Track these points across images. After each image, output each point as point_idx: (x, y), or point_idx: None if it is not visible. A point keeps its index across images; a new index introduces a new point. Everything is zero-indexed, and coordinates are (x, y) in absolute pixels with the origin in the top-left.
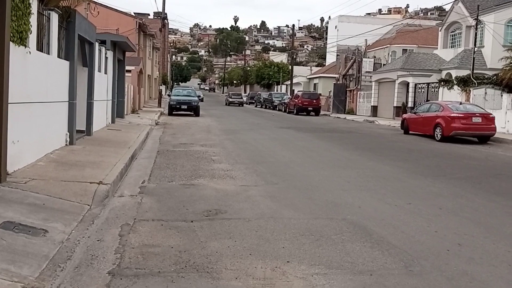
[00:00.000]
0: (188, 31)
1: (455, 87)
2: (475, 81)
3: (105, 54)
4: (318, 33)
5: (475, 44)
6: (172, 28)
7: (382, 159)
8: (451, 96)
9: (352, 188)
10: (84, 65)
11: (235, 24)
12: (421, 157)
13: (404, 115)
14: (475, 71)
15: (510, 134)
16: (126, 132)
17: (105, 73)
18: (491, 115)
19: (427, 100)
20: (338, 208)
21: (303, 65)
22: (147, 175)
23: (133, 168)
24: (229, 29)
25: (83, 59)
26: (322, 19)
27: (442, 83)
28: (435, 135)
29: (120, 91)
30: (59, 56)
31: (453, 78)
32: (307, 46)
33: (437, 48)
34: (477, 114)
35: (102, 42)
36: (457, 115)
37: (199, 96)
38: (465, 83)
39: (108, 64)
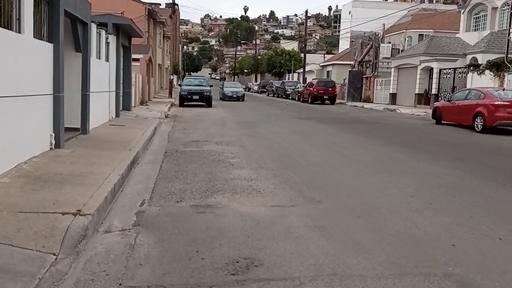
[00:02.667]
0: (199, 21)
1: (487, 72)
2: (509, 65)
3: (106, 38)
4: (326, 21)
5: (510, 25)
6: (183, 19)
7: (432, 158)
8: (481, 82)
9: (421, 206)
10: (78, 50)
11: (245, 14)
12: (476, 154)
13: (436, 103)
14: (501, 55)
15: None
16: (130, 128)
17: (107, 60)
18: None
19: (454, 87)
20: (424, 249)
21: (312, 53)
22: (149, 190)
23: (132, 179)
24: (239, 19)
25: (76, 42)
26: (330, 8)
27: (471, 68)
28: (475, 126)
29: (126, 81)
30: (36, 36)
31: (481, 62)
32: (315, 35)
33: (454, 32)
34: None
35: (103, 25)
36: (502, 103)
37: (211, 85)
38: (498, 67)
39: (110, 50)
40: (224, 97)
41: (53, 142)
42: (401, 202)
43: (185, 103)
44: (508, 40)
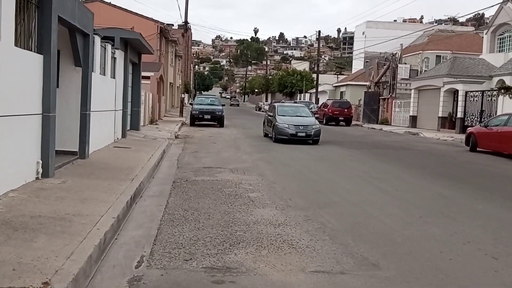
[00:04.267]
0: (210, 42)
1: None
2: None
3: (113, 53)
4: (335, 43)
5: None
6: (195, 40)
7: (488, 197)
8: None
9: None
10: (77, 65)
11: (255, 35)
12: None
13: (471, 129)
14: None
15: None
16: (136, 150)
17: (113, 77)
18: None
19: (482, 111)
20: None
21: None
22: (150, 239)
23: (131, 220)
24: (250, 40)
25: (75, 56)
26: (339, 30)
27: (502, 90)
28: None
29: (134, 99)
30: (22, 46)
31: (509, 84)
32: (324, 56)
33: (473, 54)
34: None
35: (109, 39)
36: None
37: (223, 104)
38: None
39: (117, 66)
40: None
41: (40, 170)
42: (483, 268)
43: (196, 123)
44: None
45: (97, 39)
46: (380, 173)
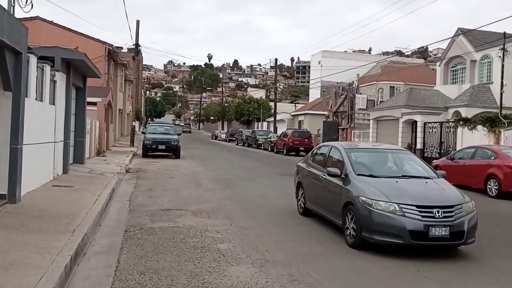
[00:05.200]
0: (162, 67)
1: (479, 127)
2: (504, 121)
3: (52, 76)
4: (289, 72)
5: (502, 78)
6: (146, 64)
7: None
8: (473, 138)
9: None
10: (6, 88)
11: (209, 61)
12: None
13: (436, 162)
14: (485, 110)
15: None
16: (80, 190)
17: (52, 103)
18: None
19: (441, 142)
20: None
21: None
22: None
23: None
24: (203, 66)
25: (3, 78)
26: (292, 59)
27: (460, 122)
28: (488, 190)
29: (78, 128)
30: None
31: (464, 116)
32: (279, 84)
33: (424, 85)
34: None
35: (48, 59)
36: None
37: (180, 133)
38: (492, 122)
39: (58, 90)
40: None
41: None
42: None
43: (149, 154)
44: (501, 94)
45: (33, 59)
46: None
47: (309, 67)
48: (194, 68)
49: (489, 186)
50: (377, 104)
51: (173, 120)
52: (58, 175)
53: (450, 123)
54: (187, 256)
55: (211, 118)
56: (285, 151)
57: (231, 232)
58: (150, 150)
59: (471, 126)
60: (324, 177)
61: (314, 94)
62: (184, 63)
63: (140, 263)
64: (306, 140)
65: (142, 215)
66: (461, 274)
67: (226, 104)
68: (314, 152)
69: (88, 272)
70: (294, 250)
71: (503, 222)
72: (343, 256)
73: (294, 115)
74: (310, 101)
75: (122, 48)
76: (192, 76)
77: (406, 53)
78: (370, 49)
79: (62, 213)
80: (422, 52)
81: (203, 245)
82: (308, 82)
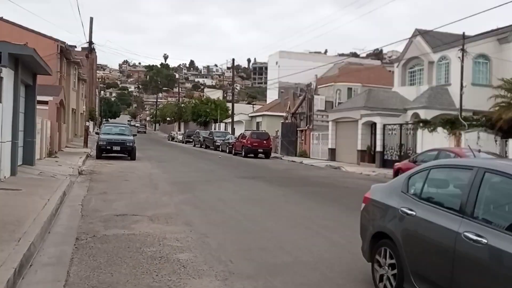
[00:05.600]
0: (117, 67)
1: (439, 129)
2: (465, 123)
3: None
4: (246, 73)
5: (462, 81)
6: (100, 64)
7: None
8: (434, 140)
9: None
10: None
11: (165, 61)
12: None
13: (398, 164)
14: (443, 112)
15: None
16: (28, 194)
17: None
18: None
19: (401, 144)
20: None
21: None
22: None
23: None
24: (159, 66)
25: None
26: (249, 60)
27: (420, 124)
28: None
29: (28, 128)
30: None
31: (423, 118)
32: (236, 85)
33: (381, 87)
34: None
35: None
36: None
37: (135, 134)
38: (452, 124)
39: (5, 88)
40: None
41: None
42: None
43: (103, 155)
44: (461, 95)
45: None
46: (323, 219)
47: (266, 68)
48: (149, 68)
49: None
50: (335, 106)
51: (128, 120)
52: (5, 177)
53: (410, 125)
54: (144, 267)
55: (168, 119)
56: (243, 153)
57: (191, 240)
58: (104, 151)
59: (431, 128)
60: (470, 238)
61: (272, 95)
62: (139, 63)
63: (92, 276)
64: (264, 141)
65: (95, 221)
66: None
67: (182, 105)
68: (421, 174)
69: (34, 287)
70: (259, 260)
71: None
72: (312, 266)
73: (252, 116)
74: (267, 102)
75: (76, 46)
76: (148, 76)
77: (361, 55)
78: (326, 51)
79: (7, 219)
80: (377, 54)
81: (161, 255)
82: (265, 83)
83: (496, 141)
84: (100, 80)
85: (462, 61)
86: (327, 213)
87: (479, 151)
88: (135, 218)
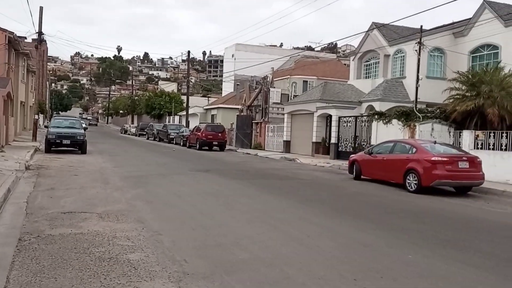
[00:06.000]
0: (69, 59)
1: (394, 121)
2: (419, 115)
3: None
4: (201, 66)
5: (418, 73)
6: (51, 56)
7: (410, 240)
8: (388, 132)
9: None
10: None
11: (118, 53)
12: (455, 232)
13: (354, 156)
14: (398, 104)
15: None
16: None
17: None
18: (478, 159)
19: (355, 136)
20: None
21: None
22: None
23: None
24: (112, 58)
25: None
26: (204, 53)
27: (375, 116)
28: (407, 185)
29: None
30: None
31: (378, 110)
32: (191, 78)
33: (337, 80)
34: (463, 158)
35: None
36: (439, 159)
37: (86, 128)
38: (407, 117)
39: None
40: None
41: None
42: None
43: (53, 149)
44: (417, 88)
45: None
46: (279, 212)
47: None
48: (102, 60)
49: (408, 181)
50: (291, 98)
51: (80, 113)
52: None
53: (365, 117)
54: (92, 270)
55: (121, 111)
56: (198, 146)
57: (143, 239)
58: (53, 145)
59: (386, 120)
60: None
61: (227, 87)
62: (92, 55)
63: (35, 282)
64: (219, 134)
65: (40, 220)
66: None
67: (136, 98)
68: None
69: None
70: (215, 258)
71: (429, 219)
72: (270, 263)
73: (207, 109)
74: (223, 95)
75: (25, 38)
76: (101, 69)
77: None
78: (281, 44)
79: None
80: (332, 48)
81: (110, 255)
82: (221, 76)
83: (449, 132)
84: (51, 72)
85: (419, 54)
86: (283, 206)
87: (435, 142)
88: (83, 215)
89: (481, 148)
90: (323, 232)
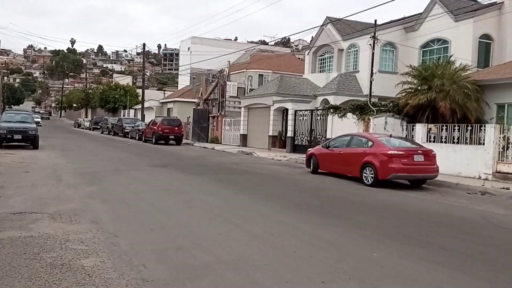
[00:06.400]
0: (22, 52)
1: (349, 115)
2: (373, 109)
3: None
4: (156, 59)
5: (372, 67)
6: (3, 49)
7: (372, 237)
8: (343, 126)
9: None
10: None
11: (72, 46)
12: (417, 227)
13: (311, 150)
14: (352, 98)
15: None
16: None
17: None
18: (432, 152)
19: (311, 130)
20: None
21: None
22: None
23: None
24: (66, 51)
25: None
26: (159, 46)
27: (331, 110)
28: (364, 178)
29: None
30: None
31: (333, 104)
32: (146, 71)
33: (293, 73)
34: (419, 151)
35: None
36: (396, 152)
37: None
38: (361, 110)
39: None
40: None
41: None
42: None
43: (4, 144)
44: (371, 82)
45: None
46: (241, 209)
47: (176, 54)
48: (56, 53)
49: (365, 175)
50: (247, 92)
51: (32, 107)
52: None
53: (320, 111)
54: (42, 279)
55: (74, 105)
56: (154, 140)
57: (98, 242)
58: (4, 140)
59: (341, 114)
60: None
61: (184, 81)
62: (45, 48)
63: None
64: (176, 128)
65: None
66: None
67: (90, 91)
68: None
69: None
70: (176, 262)
71: (389, 214)
72: (235, 266)
73: (163, 103)
74: (179, 88)
75: None
76: (54, 62)
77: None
78: (236, 38)
79: None
80: (285, 43)
81: (63, 261)
82: (176, 69)
83: (402, 125)
84: (3, 65)
85: (373, 48)
86: (244, 203)
87: (391, 136)
88: (34, 216)
89: (434, 141)
90: (286, 230)
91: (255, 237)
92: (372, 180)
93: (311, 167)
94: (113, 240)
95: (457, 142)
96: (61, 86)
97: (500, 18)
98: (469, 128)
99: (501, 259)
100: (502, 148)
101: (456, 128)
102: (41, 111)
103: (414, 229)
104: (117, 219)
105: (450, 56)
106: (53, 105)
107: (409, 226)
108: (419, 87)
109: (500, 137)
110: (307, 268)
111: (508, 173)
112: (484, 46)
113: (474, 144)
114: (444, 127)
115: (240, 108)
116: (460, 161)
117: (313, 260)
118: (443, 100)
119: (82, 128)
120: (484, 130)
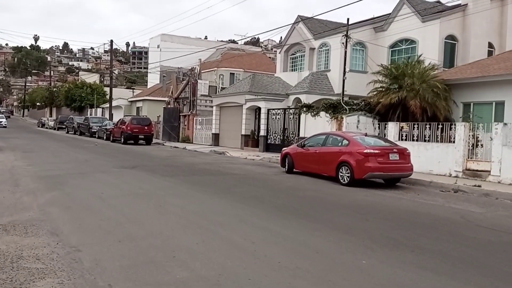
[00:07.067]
0: None
1: (322, 113)
2: (346, 107)
3: None
4: (124, 57)
5: (344, 66)
6: None
7: (359, 243)
8: (317, 124)
9: None
10: None
11: (35, 43)
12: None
13: (286, 149)
14: (323, 97)
15: None
16: None
17: None
18: (407, 151)
19: (284, 128)
20: None
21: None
22: None
23: None
24: (29, 48)
25: None
26: (127, 44)
27: (304, 108)
28: (340, 177)
29: None
30: None
31: (305, 102)
32: (114, 69)
33: (264, 72)
34: (394, 150)
35: None
36: (372, 151)
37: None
38: (334, 109)
39: None
40: None
41: None
42: None
43: None
44: (344, 81)
45: None
46: (217, 214)
47: (145, 52)
48: (18, 49)
49: (341, 174)
50: (219, 91)
51: None
52: None
53: (293, 110)
54: None
55: (38, 104)
56: (122, 140)
57: (57, 258)
58: None
59: (314, 112)
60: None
61: (153, 79)
62: (6, 44)
63: None
64: (146, 127)
65: None
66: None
67: (55, 89)
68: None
69: None
70: (148, 280)
71: (371, 215)
72: (215, 283)
73: (132, 101)
74: (148, 86)
75: None
76: (16, 59)
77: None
78: (206, 37)
79: None
80: (254, 42)
81: (14, 285)
82: (145, 68)
83: (374, 124)
84: None
85: (346, 47)
86: (220, 207)
87: (366, 134)
88: None
89: (406, 140)
90: (267, 237)
91: (235, 247)
92: (348, 179)
93: (286, 167)
94: (75, 256)
95: (429, 141)
96: (24, 84)
97: (464, 19)
98: (440, 126)
99: (491, 262)
100: (471, 146)
101: (427, 126)
102: (1, 110)
103: (398, 232)
104: (80, 230)
105: (420, 56)
106: (15, 103)
107: (393, 228)
108: (390, 86)
109: (469, 135)
110: (294, 281)
111: (477, 170)
112: (450, 47)
113: (444, 142)
114: (416, 126)
115: (212, 107)
116: (432, 159)
117: (300, 271)
118: (414, 99)
119: (46, 127)
120: (455, 128)
